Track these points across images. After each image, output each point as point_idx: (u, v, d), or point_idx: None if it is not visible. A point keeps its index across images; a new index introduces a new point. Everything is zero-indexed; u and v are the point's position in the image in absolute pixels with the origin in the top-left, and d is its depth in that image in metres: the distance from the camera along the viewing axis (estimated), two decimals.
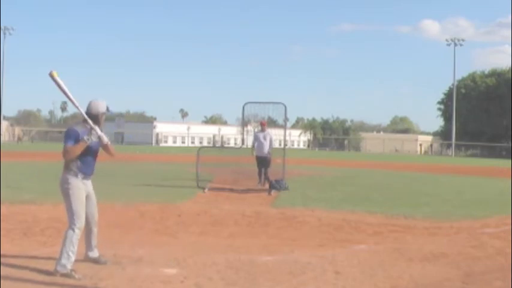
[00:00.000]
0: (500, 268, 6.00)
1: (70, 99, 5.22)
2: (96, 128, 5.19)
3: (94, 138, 5.18)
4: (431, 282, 5.38)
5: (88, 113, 5.24)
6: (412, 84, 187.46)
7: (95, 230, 5.52)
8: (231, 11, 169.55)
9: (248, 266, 5.64)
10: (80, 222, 5.20)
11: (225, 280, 5.12)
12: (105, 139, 5.26)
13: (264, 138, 14.39)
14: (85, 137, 5.13)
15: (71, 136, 5.15)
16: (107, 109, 5.37)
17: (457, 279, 5.47)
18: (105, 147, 5.37)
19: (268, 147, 14.33)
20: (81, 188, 5.26)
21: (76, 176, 5.22)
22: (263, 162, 14.31)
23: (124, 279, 5.02)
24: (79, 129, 5.21)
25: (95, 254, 5.54)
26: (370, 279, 5.33)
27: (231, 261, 5.78)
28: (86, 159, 5.25)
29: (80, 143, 5.12)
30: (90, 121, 5.18)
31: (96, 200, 5.50)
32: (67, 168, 5.26)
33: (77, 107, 5.31)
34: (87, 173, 5.31)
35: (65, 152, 5.13)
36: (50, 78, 5.08)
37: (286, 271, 5.50)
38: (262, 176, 14.30)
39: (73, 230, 5.15)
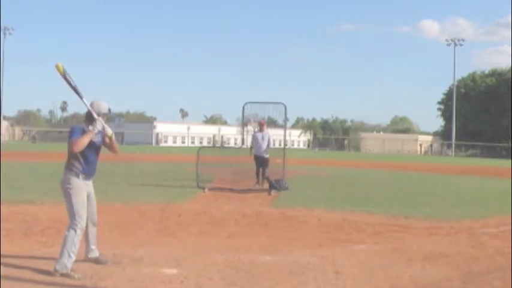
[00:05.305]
0: (500, 268, 6.00)
1: (76, 92, 5.25)
2: (100, 118, 5.23)
3: (99, 127, 5.22)
4: (431, 282, 5.38)
5: (89, 112, 5.27)
6: (412, 84, 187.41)
7: (93, 230, 5.53)
8: (231, 11, 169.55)
9: (248, 266, 5.64)
10: (82, 223, 5.22)
11: (225, 280, 5.12)
12: (110, 130, 5.29)
13: (263, 138, 14.38)
14: (90, 127, 5.20)
15: (77, 131, 5.21)
16: (109, 111, 5.38)
17: (457, 279, 5.47)
18: (110, 142, 5.39)
19: (265, 148, 14.31)
20: (83, 188, 5.27)
21: (77, 176, 5.24)
22: (261, 162, 14.30)
23: (124, 279, 5.01)
24: (83, 126, 5.28)
25: (95, 253, 5.54)
26: (370, 279, 5.33)
27: (231, 261, 5.78)
28: (88, 159, 5.27)
29: (85, 134, 5.16)
30: (94, 113, 5.22)
31: (95, 201, 5.51)
32: (68, 168, 5.27)
33: (81, 99, 5.30)
34: (88, 174, 5.33)
35: (72, 145, 5.12)
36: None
37: (286, 271, 5.50)
38: (260, 176, 14.30)
39: (75, 231, 5.16)
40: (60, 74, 5.16)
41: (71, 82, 5.22)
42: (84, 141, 5.13)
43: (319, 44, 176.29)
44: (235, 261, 5.79)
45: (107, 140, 5.37)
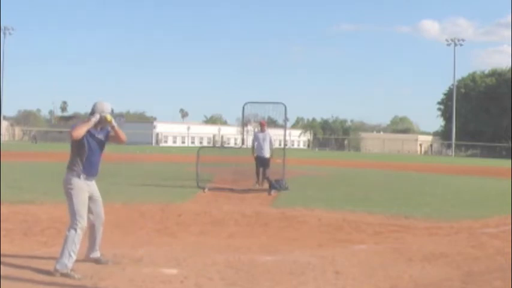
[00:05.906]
0: (500, 268, 6.00)
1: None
2: (97, 115, 5.28)
3: (98, 116, 5.25)
4: (431, 282, 5.38)
5: (92, 113, 5.31)
6: (412, 84, 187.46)
7: (100, 230, 5.53)
8: (231, 11, 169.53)
9: (248, 266, 5.64)
10: (82, 223, 5.22)
11: (225, 280, 5.12)
12: (108, 115, 5.31)
13: (264, 138, 14.42)
14: (90, 117, 5.26)
15: (77, 124, 5.29)
16: (112, 111, 5.41)
17: (457, 279, 5.47)
18: (114, 132, 5.43)
19: (268, 148, 14.36)
20: (84, 188, 5.28)
21: (78, 176, 5.25)
22: (262, 162, 14.35)
23: (124, 279, 5.02)
24: None
25: (96, 254, 5.54)
26: (370, 279, 5.33)
27: (231, 261, 5.78)
28: (90, 158, 5.28)
29: (84, 122, 5.22)
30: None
31: (101, 200, 5.51)
32: (70, 168, 5.29)
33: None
34: (90, 174, 5.33)
35: (72, 130, 5.15)
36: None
37: (286, 271, 5.50)
38: (260, 176, 14.33)
39: (75, 230, 5.17)
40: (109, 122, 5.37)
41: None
42: (83, 128, 5.17)
43: (319, 44, 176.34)
44: (235, 261, 5.79)
45: (110, 129, 5.41)
